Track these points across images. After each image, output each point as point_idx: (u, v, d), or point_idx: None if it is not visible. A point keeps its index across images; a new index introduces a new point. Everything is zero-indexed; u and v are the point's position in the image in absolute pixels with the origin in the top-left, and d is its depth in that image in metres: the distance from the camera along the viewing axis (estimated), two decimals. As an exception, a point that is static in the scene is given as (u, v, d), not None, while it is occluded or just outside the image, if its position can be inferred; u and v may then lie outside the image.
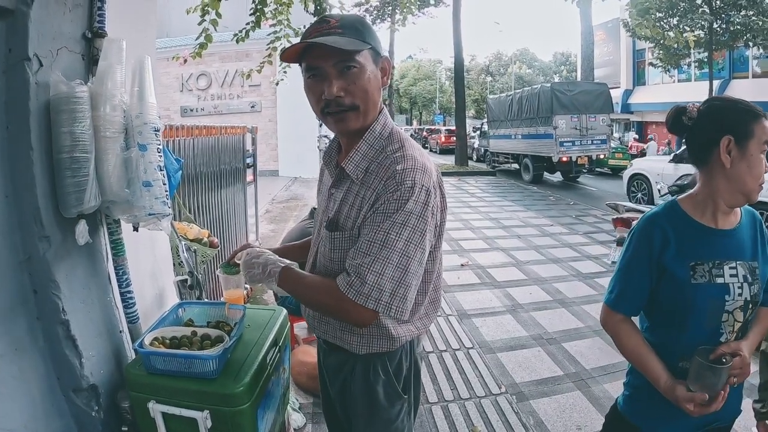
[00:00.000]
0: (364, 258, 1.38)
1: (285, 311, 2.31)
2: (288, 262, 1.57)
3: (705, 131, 1.55)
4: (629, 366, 1.75)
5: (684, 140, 1.64)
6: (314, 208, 2.19)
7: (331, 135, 1.75)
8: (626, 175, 12.84)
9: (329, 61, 1.41)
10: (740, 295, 1.53)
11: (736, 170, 1.50)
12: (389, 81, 1.56)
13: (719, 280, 1.53)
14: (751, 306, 1.56)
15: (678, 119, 1.61)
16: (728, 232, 1.58)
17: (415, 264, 1.42)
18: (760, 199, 1.65)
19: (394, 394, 1.64)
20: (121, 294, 1.99)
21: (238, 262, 1.72)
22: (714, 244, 1.56)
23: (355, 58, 1.41)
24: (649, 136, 23.67)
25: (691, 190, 1.65)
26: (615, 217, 5.92)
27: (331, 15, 1.47)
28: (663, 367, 1.56)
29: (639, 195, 12.02)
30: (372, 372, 1.62)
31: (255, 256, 1.61)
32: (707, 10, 17.84)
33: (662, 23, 19.25)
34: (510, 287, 6.22)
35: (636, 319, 1.74)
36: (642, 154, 19.46)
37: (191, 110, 18.46)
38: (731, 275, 1.53)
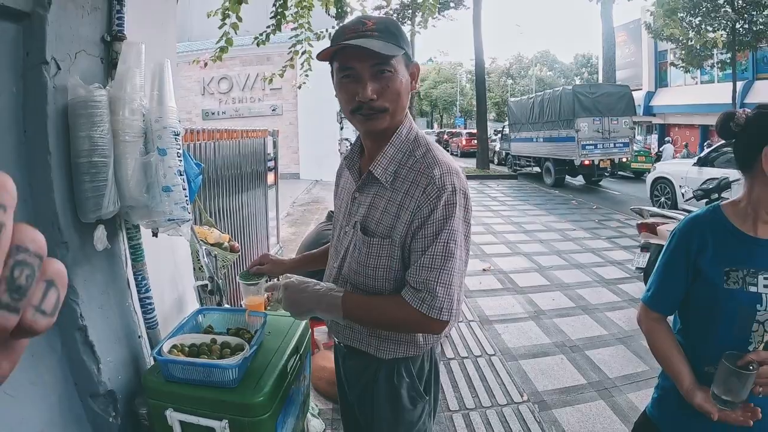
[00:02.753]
0: (430, 273, 1.40)
1: (302, 320, 2.28)
2: (340, 289, 1.54)
3: (750, 138, 1.52)
4: (661, 368, 1.72)
5: (733, 145, 1.60)
6: (331, 212, 2.16)
7: (352, 138, 1.74)
8: (649, 178, 12.65)
9: (365, 63, 1.42)
10: None
11: None
12: (417, 86, 1.57)
13: (752, 289, 1.49)
14: None
15: (726, 125, 1.58)
16: (767, 242, 1.53)
17: (465, 267, 1.48)
18: None
19: (416, 396, 1.65)
20: (140, 299, 1.98)
21: (256, 274, 1.82)
22: (751, 252, 1.52)
23: (391, 63, 1.42)
24: (665, 139, 23.28)
25: (736, 196, 1.62)
26: (640, 222, 5.80)
27: (368, 16, 1.47)
28: (689, 370, 1.56)
29: (662, 199, 11.84)
30: (396, 375, 1.62)
31: (298, 291, 1.54)
32: (729, 10, 17.55)
33: (684, 23, 19.02)
34: (532, 293, 6.14)
35: (671, 320, 1.74)
36: (657, 157, 19.16)
37: (212, 113, 18.63)
38: (765, 285, 1.49)
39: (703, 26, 18.49)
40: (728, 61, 19.39)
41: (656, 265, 1.71)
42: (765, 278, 1.49)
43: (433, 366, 1.70)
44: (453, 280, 1.41)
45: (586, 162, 16.12)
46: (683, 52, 20.40)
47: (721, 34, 17.80)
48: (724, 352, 1.45)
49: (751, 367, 1.42)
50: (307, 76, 5.32)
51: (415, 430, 1.68)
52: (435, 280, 1.39)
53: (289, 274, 1.62)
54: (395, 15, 23.55)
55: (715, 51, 19.62)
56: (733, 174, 5.50)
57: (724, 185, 5.65)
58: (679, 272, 1.61)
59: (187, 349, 1.80)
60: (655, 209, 6.13)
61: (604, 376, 4.08)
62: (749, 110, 1.55)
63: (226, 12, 4.22)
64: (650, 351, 1.71)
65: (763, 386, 1.44)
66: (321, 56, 1.49)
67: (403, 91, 1.48)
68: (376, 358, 1.61)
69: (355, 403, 1.77)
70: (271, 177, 6.13)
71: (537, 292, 6.17)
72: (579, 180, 18.46)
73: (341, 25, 1.50)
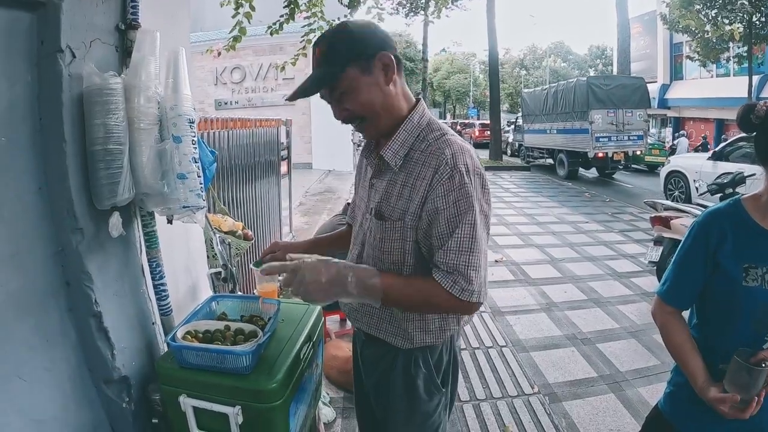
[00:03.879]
0: (460, 256, 1.39)
1: (319, 306, 2.29)
2: (370, 268, 1.47)
3: None
4: (674, 363, 1.72)
5: (753, 138, 1.57)
6: (348, 203, 2.17)
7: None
8: (663, 172, 12.58)
9: (324, 93, 1.53)
10: None
11: None
12: (401, 70, 1.56)
13: None
14: None
15: (746, 117, 1.55)
16: None
17: (487, 246, 1.49)
18: None
19: (433, 388, 1.66)
20: (155, 286, 1.99)
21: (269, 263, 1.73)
22: None
23: (340, 83, 1.47)
24: (680, 132, 23.02)
25: (753, 191, 1.60)
26: (653, 215, 5.76)
27: (318, 40, 1.54)
28: (703, 366, 1.56)
29: (676, 193, 11.76)
30: (413, 365, 1.63)
31: (319, 273, 1.38)
32: (746, 3, 17.28)
33: (701, 15, 18.77)
34: (544, 285, 6.14)
35: (686, 315, 1.73)
36: (672, 151, 18.98)
37: (225, 103, 18.68)
38: None
39: (719, 18, 18.23)
40: (744, 54, 19.10)
41: (673, 258, 1.69)
42: None
43: (452, 358, 1.71)
44: (481, 262, 1.41)
45: (600, 154, 16.04)
46: (699, 45, 20.12)
47: (738, 27, 17.54)
48: (737, 349, 1.45)
49: (764, 365, 1.42)
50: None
51: (430, 421, 1.68)
52: (465, 263, 1.39)
53: (299, 254, 1.48)
54: (408, 5, 23.43)
55: (731, 44, 19.34)
56: (748, 169, 5.45)
57: (739, 180, 5.60)
58: (697, 266, 1.60)
59: (200, 335, 1.81)
60: (669, 203, 6.08)
61: (615, 369, 4.08)
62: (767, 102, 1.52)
63: (240, 1, 4.22)
64: (664, 345, 1.69)
65: None
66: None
67: (370, 95, 1.49)
68: (394, 347, 1.62)
69: (371, 392, 1.79)
70: (284, 166, 6.14)
71: (549, 284, 6.17)
72: (592, 172, 18.37)
73: None
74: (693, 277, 1.62)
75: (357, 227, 1.72)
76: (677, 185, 11.90)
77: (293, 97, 1.55)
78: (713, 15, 18.43)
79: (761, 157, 1.54)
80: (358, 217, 1.73)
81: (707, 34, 18.69)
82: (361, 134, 1.61)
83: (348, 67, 1.45)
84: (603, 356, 4.34)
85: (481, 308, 5.22)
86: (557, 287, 6.07)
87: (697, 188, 8.88)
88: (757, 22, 17.50)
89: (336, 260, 1.45)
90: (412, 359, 1.63)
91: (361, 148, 1.90)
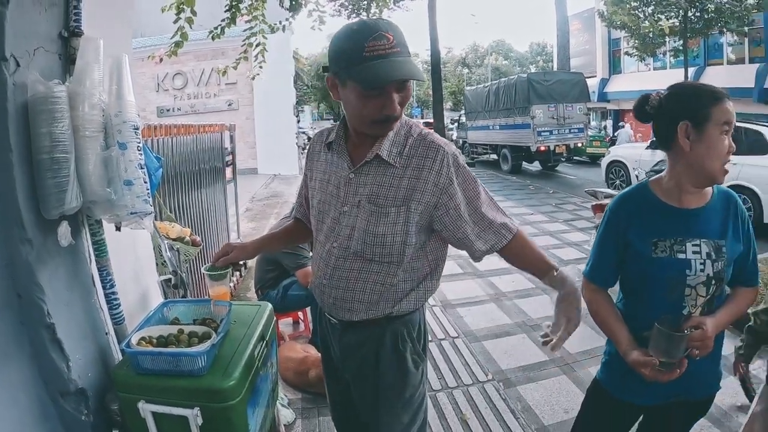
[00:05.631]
0: (496, 214, 1.71)
1: (270, 306, 2.32)
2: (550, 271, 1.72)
3: (666, 117, 1.64)
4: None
5: (653, 127, 1.72)
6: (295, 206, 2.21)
7: (310, 131, 1.78)
8: (604, 162, 13.08)
9: (401, 84, 1.52)
10: (702, 270, 1.62)
11: (696, 154, 1.58)
12: None
13: (680, 256, 1.63)
14: (714, 282, 1.64)
15: (642, 108, 1.71)
16: (694, 212, 1.66)
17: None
18: None
19: (418, 358, 1.81)
20: (106, 295, 1.97)
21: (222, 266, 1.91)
22: (677, 222, 1.66)
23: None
24: (620, 124, 23.85)
25: (662, 173, 1.74)
26: (594, 203, 5.98)
27: (380, 26, 1.46)
28: (626, 334, 1.70)
29: (617, 182, 12.21)
30: (401, 340, 1.76)
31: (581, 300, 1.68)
32: (682, -1, 18.06)
33: (637, 12, 19.45)
34: (492, 276, 6.27)
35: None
36: (612, 142, 19.63)
37: (168, 110, 18.24)
38: (694, 252, 1.63)
39: (655, 15, 18.95)
40: (680, 48, 19.90)
41: (594, 241, 1.86)
42: (693, 245, 1.63)
43: (424, 326, 1.86)
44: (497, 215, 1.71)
45: (542, 148, 16.45)
46: (636, 40, 20.84)
47: (673, 23, 18.27)
48: (659, 317, 1.56)
49: (686, 331, 1.54)
50: (261, 68, 5.29)
51: (417, 393, 1.81)
52: (501, 217, 1.71)
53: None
54: (351, 6, 23.42)
55: (667, 39, 20.11)
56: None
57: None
58: (612, 247, 1.76)
59: (155, 340, 1.81)
60: (608, 190, 6.32)
61: (566, 352, 4.21)
62: (662, 92, 1.66)
63: (181, 6, 4.17)
64: (593, 320, 1.85)
65: (699, 349, 1.57)
66: (373, 86, 1.48)
67: None
68: (381, 325, 1.73)
69: (353, 381, 1.85)
70: (229, 172, 6.09)
71: (497, 275, 6.29)
72: (536, 166, 18.81)
73: (350, 31, 1.50)
74: (609, 256, 1.78)
75: (329, 221, 1.76)
76: (618, 174, 12.37)
77: (392, 78, 1.46)
78: (650, 12, 19.13)
79: (660, 143, 1.70)
80: (329, 212, 1.75)
81: (644, 30, 19.38)
82: (382, 131, 1.61)
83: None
84: (553, 341, 4.46)
85: (432, 301, 5.32)
86: (505, 277, 6.20)
87: (636, 176, 9.22)
88: (693, 17, 18.26)
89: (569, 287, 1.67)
90: (398, 335, 1.74)
91: (307, 150, 1.94)
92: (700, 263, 1.62)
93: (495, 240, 1.68)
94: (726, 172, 1.60)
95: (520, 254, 1.74)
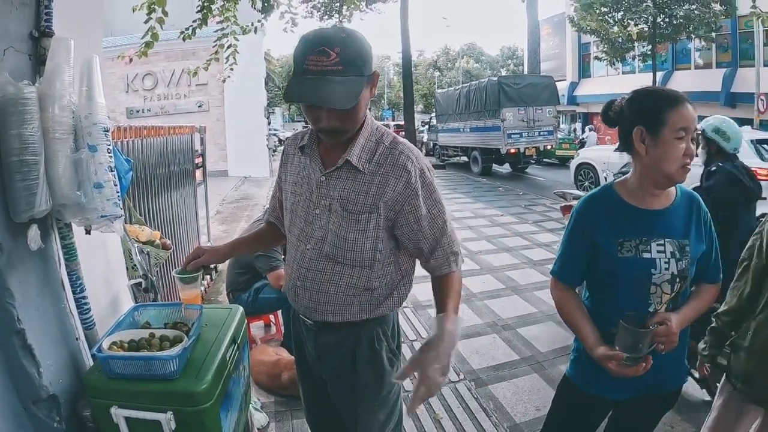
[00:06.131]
0: (442, 239, 1.69)
1: (241, 309, 2.31)
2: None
3: (626, 122, 1.70)
4: None
5: (618, 131, 1.77)
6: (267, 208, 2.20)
7: (281, 133, 1.78)
8: (573, 164, 13.30)
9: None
10: (667, 269, 1.67)
11: (652, 157, 1.64)
12: (375, 91, 1.63)
13: (645, 255, 1.68)
14: (678, 280, 1.69)
15: (606, 114, 1.78)
16: (657, 212, 1.72)
17: None
18: None
19: (393, 357, 1.82)
20: (76, 300, 1.94)
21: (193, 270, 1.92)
22: (642, 223, 1.71)
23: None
24: (588, 127, 24.28)
25: (628, 175, 1.79)
26: (563, 204, 6.06)
27: (330, 41, 1.42)
28: (593, 330, 1.74)
29: (586, 183, 12.44)
30: (377, 339, 1.78)
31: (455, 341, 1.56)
32: (651, 5, 18.42)
33: (607, 17, 19.82)
34: (463, 277, 6.18)
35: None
36: (581, 144, 19.95)
37: (137, 111, 17.95)
38: (658, 251, 1.68)
39: (624, 20, 19.34)
40: (649, 53, 20.33)
41: (561, 241, 1.89)
42: (657, 245, 1.68)
43: (398, 323, 1.90)
44: (454, 236, 1.75)
45: (512, 150, 16.61)
46: (606, 45, 21.21)
47: (642, 28, 18.65)
48: (624, 314, 1.61)
49: (651, 326, 1.60)
50: (232, 69, 5.26)
51: (393, 391, 1.82)
52: (449, 244, 1.71)
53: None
54: (322, 8, 23.34)
55: (636, 44, 20.51)
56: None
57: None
58: (579, 247, 1.80)
59: (126, 345, 1.79)
60: (577, 192, 6.42)
61: (536, 351, 4.30)
62: (625, 97, 1.72)
63: (152, 6, 4.13)
64: (561, 317, 1.89)
65: (665, 344, 1.63)
66: (288, 101, 1.54)
67: (362, 111, 1.58)
68: (357, 326, 1.74)
69: (330, 381, 1.86)
70: (199, 174, 6.04)
71: (467, 276, 6.30)
72: (506, 168, 18.98)
73: (303, 41, 1.46)
74: (576, 257, 1.83)
75: (301, 224, 1.75)
76: (587, 176, 12.62)
77: (298, 99, 1.48)
78: (619, 17, 19.51)
79: (624, 146, 1.75)
80: (302, 214, 1.74)
81: (613, 36, 19.74)
82: (327, 140, 1.63)
83: (365, 79, 1.49)
84: (524, 340, 4.56)
85: (403, 303, 5.32)
86: (476, 278, 6.26)
87: (605, 178, 9.40)
88: (662, 23, 18.66)
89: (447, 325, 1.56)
90: (374, 334, 1.76)
91: (282, 153, 1.94)
92: (665, 262, 1.67)
93: (442, 263, 1.72)
94: (686, 171, 1.64)
95: (445, 288, 1.71)
